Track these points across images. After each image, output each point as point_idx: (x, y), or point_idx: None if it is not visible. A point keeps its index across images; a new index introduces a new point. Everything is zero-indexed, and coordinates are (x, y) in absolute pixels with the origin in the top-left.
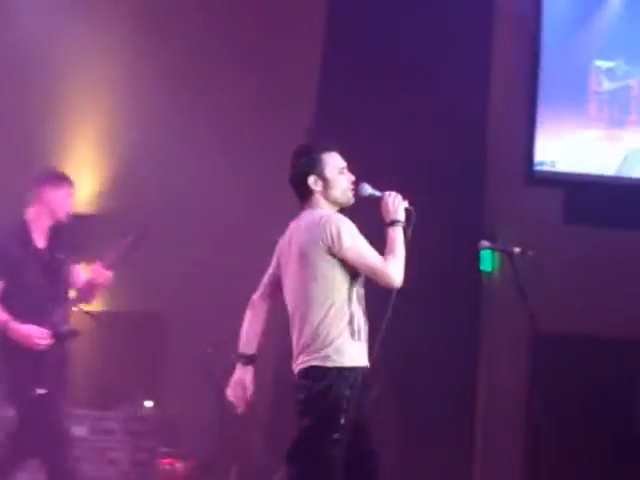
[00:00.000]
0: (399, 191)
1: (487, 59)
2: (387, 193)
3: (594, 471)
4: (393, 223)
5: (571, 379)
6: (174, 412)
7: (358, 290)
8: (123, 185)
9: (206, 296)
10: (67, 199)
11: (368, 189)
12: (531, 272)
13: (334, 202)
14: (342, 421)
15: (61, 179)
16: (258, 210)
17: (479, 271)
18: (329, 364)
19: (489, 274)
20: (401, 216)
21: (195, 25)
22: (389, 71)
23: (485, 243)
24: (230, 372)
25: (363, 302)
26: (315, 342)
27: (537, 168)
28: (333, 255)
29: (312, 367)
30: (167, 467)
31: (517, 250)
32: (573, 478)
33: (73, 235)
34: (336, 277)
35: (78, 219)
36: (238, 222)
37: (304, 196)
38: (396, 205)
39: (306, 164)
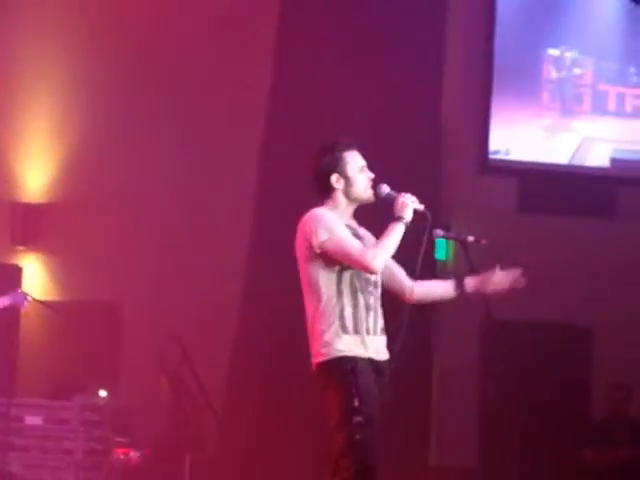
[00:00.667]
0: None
1: (441, 48)
2: (402, 194)
3: (542, 450)
4: (395, 219)
5: (521, 363)
6: (129, 402)
7: (353, 282)
8: (76, 174)
9: (161, 286)
10: None
11: (386, 189)
12: (484, 260)
13: (354, 200)
14: (356, 404)
15: None
16: (216, 198)
17: (433, 259)
18: (322, 359)
19: (443, 262)
20: (407, 214)
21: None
22: (340, 59)
23: (439, 232)
24: (184, 361)
25: (366, 293)
26: (312, 340)
27: (492, 157)
28: (315, 252)
29: (316, 365)
30: (121, 456)
31: (471, 238)
32: (523, 456)
33: None
34: (321, 273)
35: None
36: (194, 212)
37: (324, 193)
38: (405, 204)
39: (329, 163)
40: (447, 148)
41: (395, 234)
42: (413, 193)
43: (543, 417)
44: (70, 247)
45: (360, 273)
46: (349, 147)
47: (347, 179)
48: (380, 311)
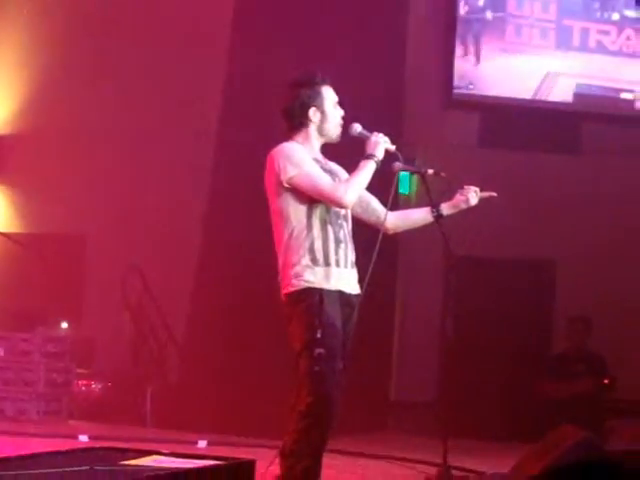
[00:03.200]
0: None
1: None
2: (375, 133)
3: (502, 384)
4: (366, 157)
5: (484, 299)
6: (91, 334)
7: (323, 215)
8: (38, 107)
9: (123, 218)
10: None
11: (358, 128)
12: (447, 195)
13: (325, 135)
14: (318, 335)
15: None
16: (178, 132)
17: (396, 193)
18: (291, 289)
19: (406, 196)
20: (378, 152)
21: None
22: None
23: (398, 165)
24: (146, 293)
25: (336, 226)
26: (282, 272)
27: (455, 91)
28: (283, 186)
29: (285, 295)
30: (83, 388)
31: (430, 171)
32: (483, 391)
33: None
34: (290, 206)
35: None
36: (156, 143)
37: (296, 127)
38: (377, 142)
39: (309, 95)
40: (411, 83)
41: (366, 171)
42: (376, 128)
43: (504, 352)
44: (33, 180)
45: (329, 207)
46: (325, 81)
47: (323, 113)
48: (351, 244)
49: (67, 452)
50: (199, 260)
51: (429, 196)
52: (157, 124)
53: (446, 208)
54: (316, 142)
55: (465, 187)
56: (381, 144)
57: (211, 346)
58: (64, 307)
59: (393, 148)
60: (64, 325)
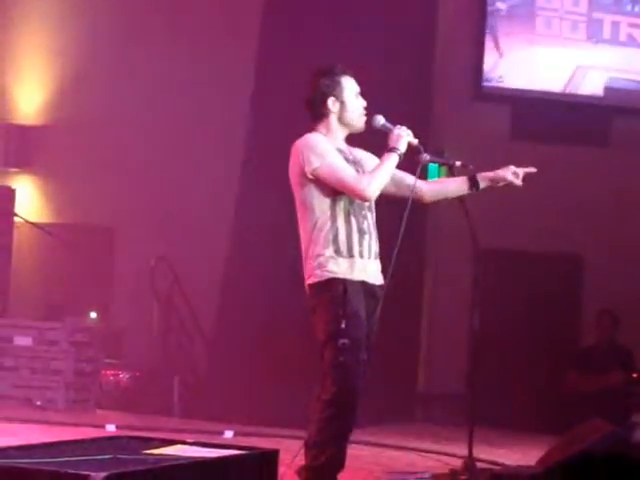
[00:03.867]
0: None
1: None
2: (398, 126)
3: (530, 377)
4: (389, 150)
5: (512, 291)
6: (119, 324)
7: (347, 207)
8: (69, 97)
9: (153, 209)
10: None
11: (381, 120)
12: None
13: (347, 125)
14: (343, 326)
15: None
16: (209, 124)
17: None
18: (315, 280)
19: None
20: (401, 145)
21: None
22: None
23: (426, 156)
24: (175, 285)
25: (360, 217)
26: (306, 263)
27: (485, 84)
28: (307, 177)
29: (309, 286)
30: (111, 378)
31: (458, 163)
32: (511, 383)
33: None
34: (315, 198)
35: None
36: (187, 136)
37: (318, 117)
38: (400, 135)
39: (327, 85)
40: (441, 74)
41: (389, 163)
42: (406, 120)
43: (533, 344)
44: (63, 170)
45: (353, 198)
46: (345, 72)
47: (342, 103)
48: (375, 235)
49: (92, 440)
50: (228, 251)
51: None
52: (188, 115)
53: (483, 180)
54: (339, 132)
55: (509, 167)
56: (404, 137)
57: (239, 337)
58: (93, 297)
59: (416, 142)
60: (93, 315)
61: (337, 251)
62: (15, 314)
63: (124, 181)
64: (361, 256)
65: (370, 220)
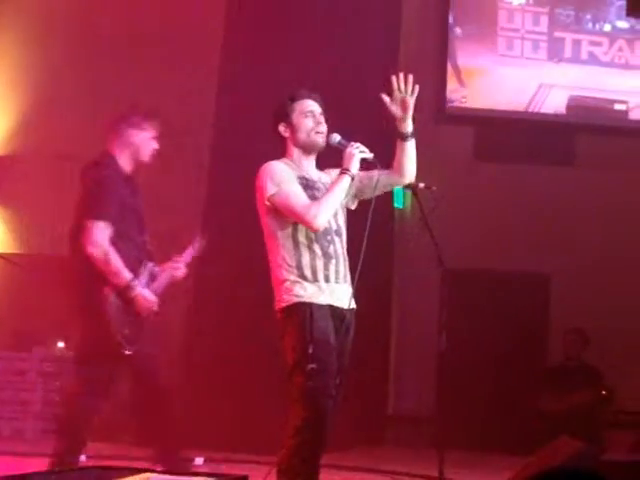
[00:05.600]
0: None
1: None
2: (351, 144)
3: (499, 397)
4: (341, 171)
5: (479, 312)
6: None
7: (309, 233)
8: (33, 127)
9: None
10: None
11: (337, 138)
12: (441, 206)
13: (303, 147)
14: (310, 350)
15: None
16: (174, 145)
17: (392, 207)
18: (282, 304)
19: (401, 210)
20: (352, 166)
21: None
22: (297, 12)
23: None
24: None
25: (324, 241)
26: (275, 288)
27: (448, 105)
28: (266, 205)
29: (277, 311)
30: None
31: (421, 185)
32: (480, 404)
33: None
34: (277, 225)
35: None
36: (156, 158)
37: (282, 146)
38: (351, 154)
39: (277, 113)
40: None
41: (339, 187)
42: (369, 142)
43: (501, 365)
44: (27, 200)
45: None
46: (298, 96)
47: (292, 126)
48: (343, 259)
49: (60, 472)
50: (197, 273)
51: (421, 210)
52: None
53: (399, 127)
54: (301, 156)
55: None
56: (356, 156)
57: (208, 363)
58: (60, 327)
59: (371, 157)
60: (61, 345)
61: (302, 276)
62: None
63: None
64: (327, 280)
65: (338, 244)
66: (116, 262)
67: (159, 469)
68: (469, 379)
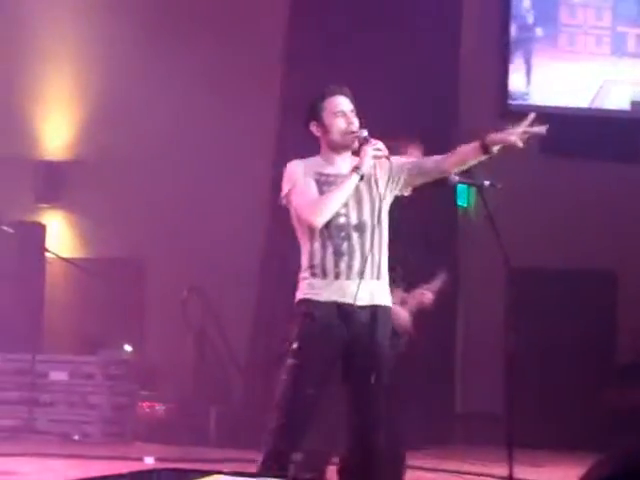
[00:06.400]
0: (370, 131)
1: None
2: (372, 141)
3: (567, 394)
4: (352, 169)
5: (546, 310)
6: (154, 356)
7: (322, 230)
8: (97, 131)
9: (183, 240)
10: None
11: (364, 133)
12: (505, 205)
13: (335, 147)
14: (294, 346)
15: None
16: (236, 153)
17: (455, 206)
18: (295, 301)
19: (465, 209)
20: (363, 165)
21: None
22: (357, 13)
23: (454, 178)
24: (208, 315)
25: (337, 239)
26: None
27: (511, 102)
28: (285, 205)
29: None
30: (147, 410)
31: (486, 183)
32: (548, 402)
33: None
34: (295, 222)
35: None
36: (214, 166)
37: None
38: (364, 153)
39: (308, 112)
40: (467, 94)
41: (347, 186)
42: (433, 141)
43: (569, 363)
44: (92, 204)
45: (330, 219)
46: (329, 94)
47: (323, 126)
48: (360, 254)
49: (129, 474)
50: (260, 279)
51: (486, 208)
52: (214, 145)
53: (492, 144)
54: (332, 154)
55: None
56: (368, 155)
57: (273, 365)
58: (127, 330)
59: (383, 155)
60: (127, 348)
61: (313, 274)
62: (50, 349)
63: (154, 213)
64: (337, 277)
65: (355, 240)
66: None
67: (226, 470)
68: (537, 377)
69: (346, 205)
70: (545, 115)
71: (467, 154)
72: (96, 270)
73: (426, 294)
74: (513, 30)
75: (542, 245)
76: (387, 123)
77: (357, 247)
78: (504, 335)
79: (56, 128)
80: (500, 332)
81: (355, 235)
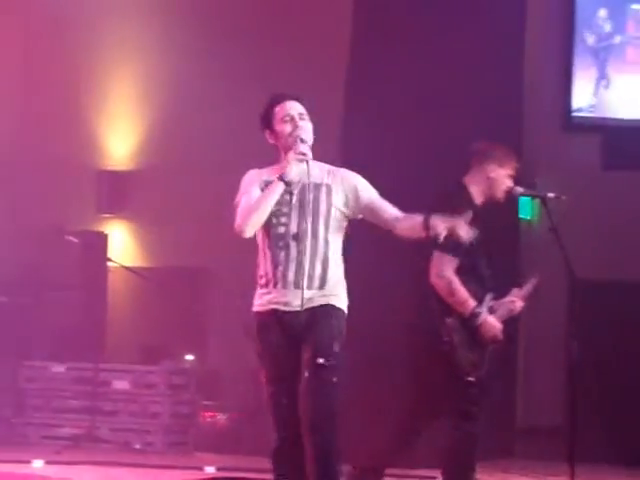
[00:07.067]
0: (434, 140)
1: (522, 5)
2: (297, 147)
3: (629, 407)
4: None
5: (608, 323)
6: (216, 365)
7: (264, 239)
8: (160, 141)
9: (246, 250)
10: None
11: (301, 134)
12: (569, 218)
13: (287, 152)
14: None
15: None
16: None
17: (518, 218)
18: None
19: (528, 222)
20: (287, 172)
21: None
22: (420, 21)
23: (518, 189)
24: None
25: (276, 248)
26: None
27: (575, 114)
28: None
29: None
30: (208, 419)
31: (551, 195)
32: (611, 415)
33: None
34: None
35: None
36: None
37: None
38: (288, 161)
39: (261, 121)
40: (530, 106)
41: (269, 193)
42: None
43: (632, 375)
44: (155, 213)
45: (268, 229)
46: (277, 101)
47: (274, 133)
48: (296, 263)
49: None
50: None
51: (551, 220)
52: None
53: (433, 228)
54: (286, 162)
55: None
56: (290, 160)
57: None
58: (189, 339)
59: (305, 159)
60: (189, 357)
61: (260, 284)
62: (112, 359)
63: (215, 222)
64: (274, 285)
65: (293, 249)
66: (461, 292)
67: None
68: (600, 391)
69: (288, 214)
70: (609, 128)
71: (414, 227)
72: (158, 279)
73: (516, 301)
74: (581, 41)
75: (605, 258)
76: (441, 132)
77: (293, 256)
78: (566, 348)
79: (119, 138)
80: (563, 344)
81: (293, 244)
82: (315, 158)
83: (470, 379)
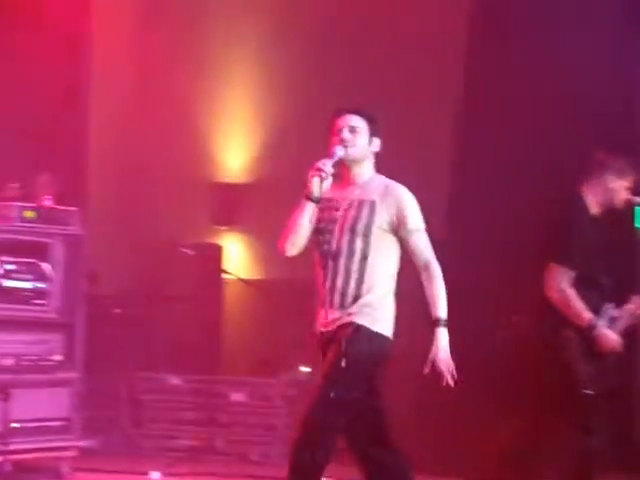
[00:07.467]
0: (551, 147)
1: (635, 25)
2: (318, 165)
3: None
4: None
5: None
6: None
7: (320, 255)
8: (275, 154)
9: None
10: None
11: (339, 151)
12: None
13: (347, 162)
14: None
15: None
16: (409, 162)
17: (635, 228)
18: None
19: None
20: (311, 189)
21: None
22: (539, 19)
23: (637, 199)
24: None
25: (326, 268)
26: None
27: None
28: None
29: None
30: None
31: None
32: None
33: None
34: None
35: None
36: (390, 173)
37: None
38: (310, 177)
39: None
40: None
41: (298, 212)
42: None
43: None
44: (270, 226)
45: (316, 247)
46: (337, 114)
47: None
48: (328, 282)
49: None
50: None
51: None
52: (390, 168)
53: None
54: (347, 171)
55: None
56: (314, 178)
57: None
58: (303, 351)
59: (319, 175)
60: (304, 369)
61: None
62: (228, 371)
63: None
64: (322, 306)
65: (330, 268)
66: (577, 304)
67: None
68: None
69: (332, 231)
70: None
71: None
72: (274, 291)
73: (638, 309)
74: None
75: None
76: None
77: (330, 275)
78: None
79: (234, 151)
80: None
81: (331, 263)
82: (417, 162)
83: (587, 392)
